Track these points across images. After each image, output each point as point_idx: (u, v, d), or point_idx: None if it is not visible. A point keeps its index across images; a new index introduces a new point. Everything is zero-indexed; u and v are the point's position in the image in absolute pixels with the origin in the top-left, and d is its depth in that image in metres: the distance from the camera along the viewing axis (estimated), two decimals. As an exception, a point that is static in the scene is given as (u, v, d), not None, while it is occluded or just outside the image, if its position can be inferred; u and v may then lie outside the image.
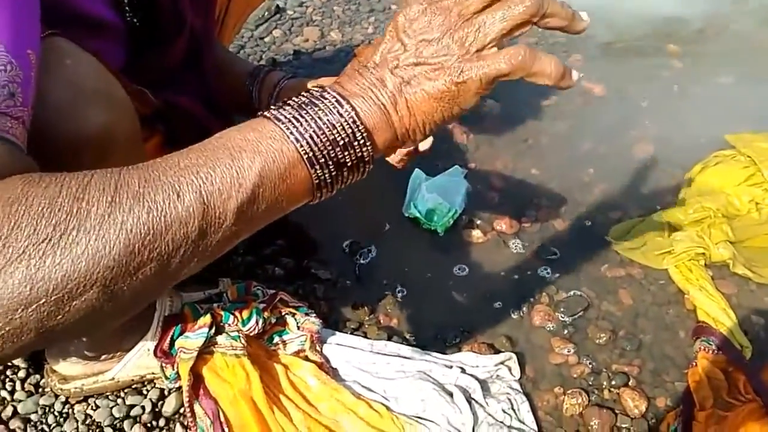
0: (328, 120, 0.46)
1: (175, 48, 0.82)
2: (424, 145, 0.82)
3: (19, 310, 0.37)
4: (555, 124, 1.32)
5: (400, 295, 1.00)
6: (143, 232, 0.40)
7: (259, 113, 0.48)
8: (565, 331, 0.95)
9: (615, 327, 0.96)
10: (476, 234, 1.09)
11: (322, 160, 0.46)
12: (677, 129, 1.29)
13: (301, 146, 0.45)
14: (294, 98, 0.48)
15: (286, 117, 0.46)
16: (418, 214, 1.08)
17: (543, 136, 1.30)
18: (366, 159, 0.48)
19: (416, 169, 1.15)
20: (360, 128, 0.47)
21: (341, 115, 0.46)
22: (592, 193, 1.19)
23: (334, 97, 0.47)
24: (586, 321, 0.97)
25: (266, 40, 1.51)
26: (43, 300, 0.38)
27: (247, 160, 0.44)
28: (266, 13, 1.55)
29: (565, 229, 1.12)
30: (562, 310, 0.97)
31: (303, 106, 0.47)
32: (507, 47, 0.48)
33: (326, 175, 0.47)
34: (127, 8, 0.75)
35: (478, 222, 1.11)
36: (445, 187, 1.13)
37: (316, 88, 0.49)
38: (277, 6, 1.58)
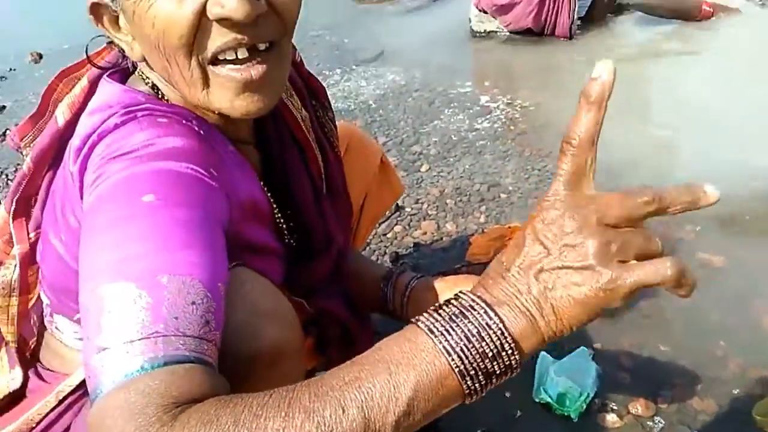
0: (477, 332, 0.49)
1: (324, 262, 0.95)
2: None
3: None
4: (676, 298, 1.32)
5: (539, 485, 0.99)
6: None
7: (413, 320, 0.52)
8: None
9: None
10: (611, 418, 1.08)
11: (473, 372, 0.49)
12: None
13: (453, 360, 0.49)
14: (445, 307, 0.52)
15: (438, 330, 0.50)
16: (549, 399, 1.10)
17: (666, 310, 1.30)
18: (514, 366, 0.50)
19: (542, 353, 1.18)
20: (508, 339, 0.49)
21: (490, 327, 0.49)
22: (727, 367, 1.16)
23: (483, 308, 0.50)
24: None
25: (388, 236, 1.67)
26: None
27: (403, 375, 0.49)
28: (387, 212, 1.73)
29: (705, 408, 1.08)
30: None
31: (453, 318, 0.50)
32: (657, 258, 0.49)
33: (476, 385, 0.50)
34: (286, 233, 0.90)
35: (613, 405, 1.10)
36: (574, 370, 1.14)
37: (466, 297, 0.52)
38: (397, 205, 1.76)
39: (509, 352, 0.50)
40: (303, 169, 0.91)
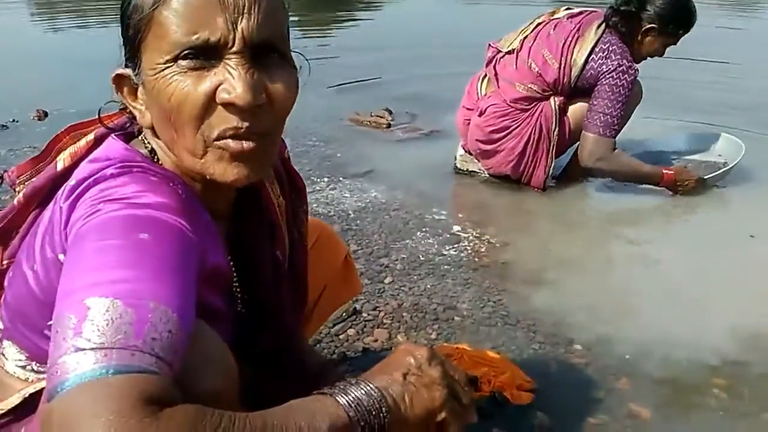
0: (366, 396, 0.71)
1: (270, 337, 1.01)
2: None
3: None
4: (604, 442, 1.37)
5: None
6: None
7: (316, 392, 0.72)
8: None
9: None
10: None
11: (362, 423, 0.69)
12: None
13: (350, 411, 0.69)
14: (340, 384, 0.72)
15: (338, 393, 0.71)
16: None
17: (592, 453, 1.34)
18: (384, 425, 0.71)
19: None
20: (384, 402, 0.72)
21: (372, 394, 0.72)
22: None
23: (367, 384, 0.73)
24: None
25: (341, 337, 1.72)
26: None
27: (319, 419, 0.66)
28: (344, 314, 1.79)
29: None
30: None
31: (349, 386, 0.72)
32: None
33: (364, 429, 0.69)
34: (239, 302, 0.96)
35: None
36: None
37: (360, 379, 0.75)
38: (355, 308, 1.82)
39: (384, 412, 0.71)
40: (268, 247, 0.99)
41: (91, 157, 0.83)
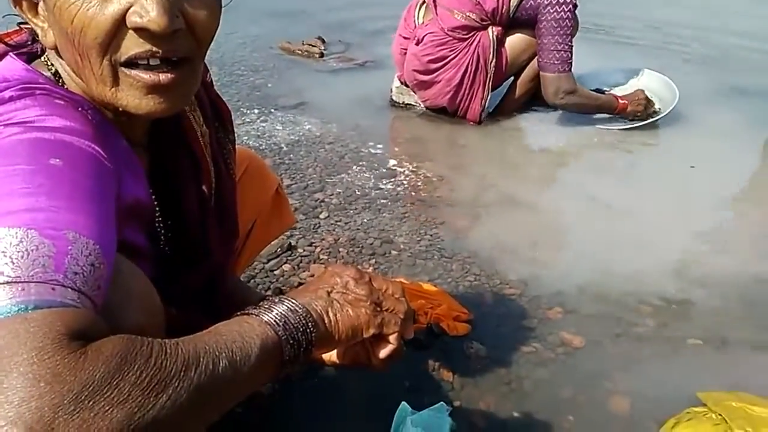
0: (290, 313, 0.70)
1: (198, 275, 0.94)
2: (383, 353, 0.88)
3: None
4: (536, 370, 1.40)
5: None
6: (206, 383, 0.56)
7: (239, 312, 0.70)
8: None
9: None
10: (457, 472, 1.11)
11: (291, 341, 0.68)
12: (651, 384, 1.36)
13: (279, 330, 0.67)
14: (264, 302, 0.71)
15: (264, 313, 0.69)
16: (401, 447, 1.11)
17: (525, 380, 1.37)
18: (312, 342, 0.71)
19: (403, 403, 1.20)
20: (309, 318, 0.71)
21: (297, 310, 0.71)
22: (572, 440, 1.22)
23: (290, 300, 0.72)
24: None
25: (276, 272, 1.67)
26: None
27: (249, 341, 0.63)
28: (279, 250, 1.73)
29: (546, 476, 1.13)
30: None
31: (273, 304, 0.71)
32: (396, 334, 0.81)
33: (292, 352, 0.68)
34: (162, 240, 0.89)
35: (460, 460, 1.13)
36: (430, 423, 1.16)
37: (283, 297, 0.73)
38: (290, 244, 1.77)
39: (311, 327, 0.71)
40: (192, 181, 0.91)
41: None
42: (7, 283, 0.52)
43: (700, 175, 2.37)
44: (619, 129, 2.72)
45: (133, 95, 0.71)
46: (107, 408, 0.48)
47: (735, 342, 1.52)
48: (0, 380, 0.47)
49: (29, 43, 0.80)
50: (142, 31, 0.67)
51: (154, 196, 0.85)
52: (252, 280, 1.62)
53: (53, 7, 0.68)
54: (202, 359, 0.56)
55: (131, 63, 0.69)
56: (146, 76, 0.69)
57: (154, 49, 0.68)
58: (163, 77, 0.70)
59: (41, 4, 0.71)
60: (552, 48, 2.50)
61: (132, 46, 0.67)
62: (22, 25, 0.80)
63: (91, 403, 0.48)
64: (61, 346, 0.49)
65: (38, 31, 0.74)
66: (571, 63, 2.54)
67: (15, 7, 0.74)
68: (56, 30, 0.70)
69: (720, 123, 2.80)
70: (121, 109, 0.72)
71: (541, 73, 2.58)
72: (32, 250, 0.54)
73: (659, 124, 2.75)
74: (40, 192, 0.58)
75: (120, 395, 0.49)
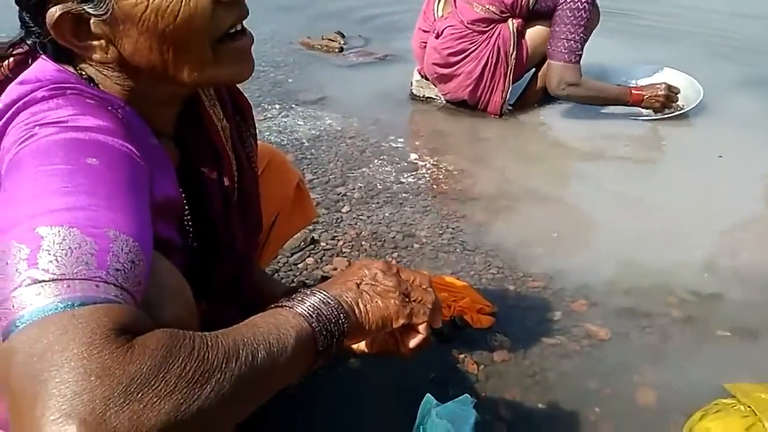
0: (323, 305, 0.70)
1: (224, 268, 0.96)
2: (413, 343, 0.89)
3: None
4: (561, 362, 1.39)
5: None
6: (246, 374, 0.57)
7: (273, 305, 0.70)
8: None
9: None
10: (483, 464, 1.11)
11: (325, 332, 0.68)
12: (678, 376, 1.35)
13: (312, 323, 0.67)
14: (298, 294, 0.71)
15: (297, 305, 0.69)
16: (426, 439, 1.11)
17: (550, 372, 1.36)
18: (345, 332, 0.71)
19: (427, 395, 1.20)
20: (341, 309, 0.71)
21: (329, 303, 0.71)
22: (598, 431, 1.21)
23: (322, 292, 0.72)
24: None
25: (299, 266, 1.68)
26: None
27: (284, 332, 0.63)
28: (302, 243, 1.74)
29: (572, 467, 1.13)
30: None
31: (305, 296, 0.71)
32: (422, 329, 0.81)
33: (326, 343, 0.68)
34: (191, 235, 0.90)
35: (486, 452, 1.13)
36: (455, 415, 1.17)
37: (309, 289, 0.73)
38: (313, 237, 1.78)
39: (343, 319, 0.71)
40: (215, 175, 0.92)
41: (19, 78, 0.75)
42: (53, 280, 0.53)
43: (728, 167, 2.32)
44: (642, 119, 2.68)
45: (235, 65, 0.78)
46: (155, 400, 0.50)
47: (764, 334, 1.50)
48: (53, 375, 0.48)
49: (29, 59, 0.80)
50: (231, 4, 0.74)
51: (181, 191, 0.86)
52: (276, 274, 1.64)
53: (139, 15, 0.70)
54: (241, 351, 0.57)
55: (222, 38, 0.75)
56: (243, 42, 0.77)
57: (242, 11, 0.76)
58: (249, 41, 0.78)
59: (99, 24, 0.71)
60: (562, 36, 2.47)
61: (226, 18, 0.74)
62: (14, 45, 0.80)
63: (140, 395, 0.49)
64: (108, 341, 0.50)
65: (93, 52, 0.73)
66: (579, 55, 2.50)
67: (59, 39, 0.72)
68: (135, 39, 0.72)
69: (747, 114, 2.75)
70: (217, 81, 0.83)
71: (548, 61, 2.56)
72: (75, 248, 0.56)
73: (687, 116, 2.70)
74: (80, 191, 0.60)
75: (167, 387, 0.50)
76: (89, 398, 0.47)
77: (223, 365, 0.55)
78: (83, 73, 0.76)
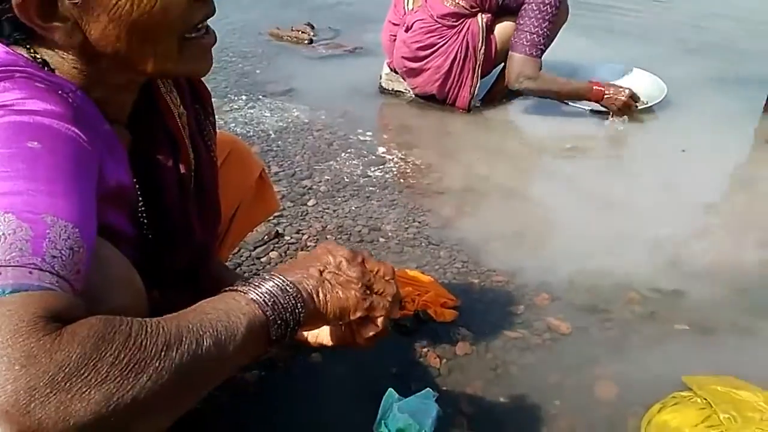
0: (281, 292, 0.68)
1: (179, 258, 0.93)
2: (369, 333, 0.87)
3: None
4: (523, 356, 1.40)
5: None
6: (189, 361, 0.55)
7: (228, 288, 0.67)
8: None
9: None
10: (443, 457, 1.11)
11: (279, 321, 0.66)
12: (637, 369, 1.37)
13: (267, 310, 0.65)
14: (253, 280, 0.69)
15: (252, 290, 0.67)
16: (387, 433, 1.11)
17: (512, 365, 1.37)
18: (300, 322, 0.69)
19: (390, 389, 1.20)
20: (299, 298, 0.69)
21: (288, 290, 0.69)
22: (558, 424, 1.23)
23: (281, 278, 0.70)
24: None
25: (263, 260, 1.66)
26: None
27: (235, 319, 0.62)
28: (266, 237, 1.71)
29: (532, 460, 1.13)
30: None
31: (262, 281, 0.69)
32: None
33: (279, 332, 0.66)
34: (144, 224, 0.87)
35: (446, 445, 1.13)
36: (416, 409, 1.17)
37: (273, 274, 0.71)
38: (277, 231, 1.75)
39: (300, 308, 0.69)
40: (171, 162, 0.90)
41: None
42: None
43: (690, 164, 2.36)
44: (606, 120, 2.70)
45: (196, 61, 0.77)
46: (84, 389, 0.48)
47: (722, 328, 1.53)
48: None
49: None
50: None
51: (135, 179, 0.83)
52: (239, 268, 1.61)
53: (113, 3, 0.67)
54: (185, 338, 0.55)
55: (189, 33, 0.75)
56: (208, 40, 0.77)
57: (210, 9, 0.75)
58: (212, 38, 0.78)
59: (68, 5, 0.68)
60: (526, 29, 2.48)
61: (196, 13, 0.73)
62: None
63: (67, 384, 0.47)
64: (36, 328, 0.48)
65: (56, 35, 0.69)
66: (541, 50, 2.50)
67: (21, 16, 0.68)
68: (105, 25, 0.69)
69: (712, 109, 2.79)
70: (179, 73, 0.84)
71: (509, 52, 2.56)
72: (9, 234, 0.53)
73: (652, 110, 2.73)
74: (18, 176, 0.58)
75: (98, 376, 0.48)
76: (12, 388, 0.45)
77: (163, 353, 0.53)
78: (37, 56, 0.73)
